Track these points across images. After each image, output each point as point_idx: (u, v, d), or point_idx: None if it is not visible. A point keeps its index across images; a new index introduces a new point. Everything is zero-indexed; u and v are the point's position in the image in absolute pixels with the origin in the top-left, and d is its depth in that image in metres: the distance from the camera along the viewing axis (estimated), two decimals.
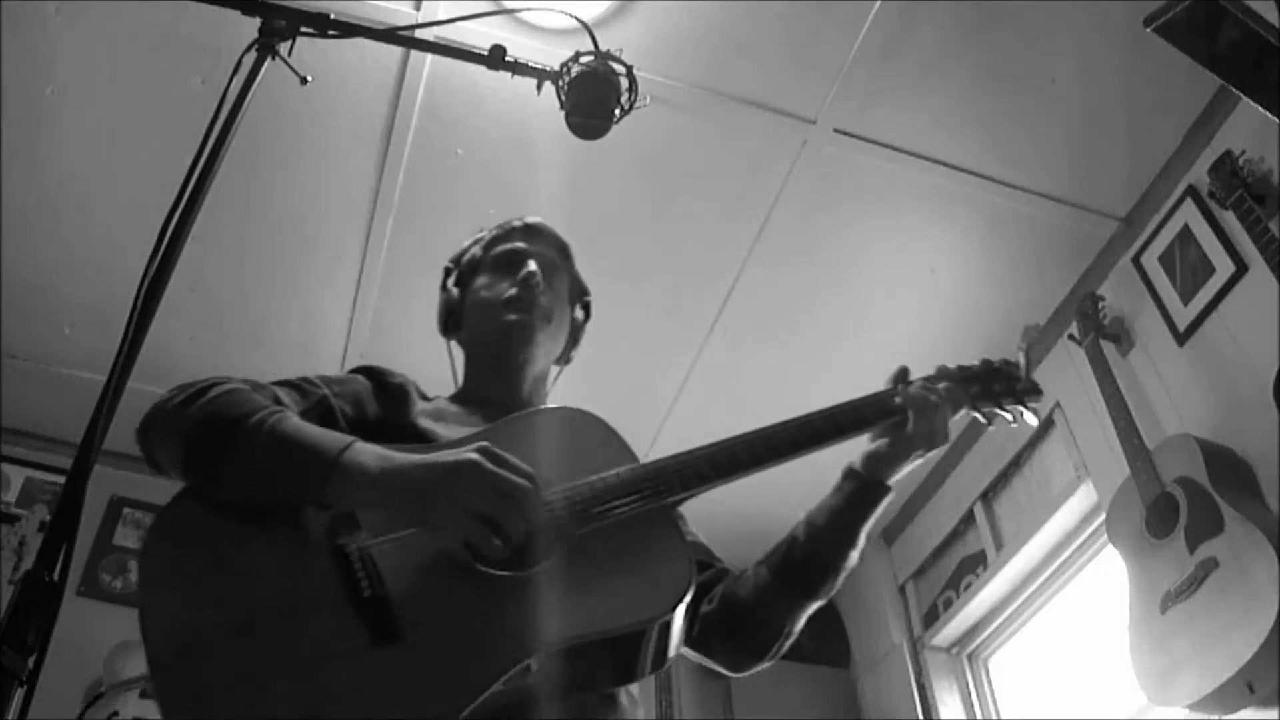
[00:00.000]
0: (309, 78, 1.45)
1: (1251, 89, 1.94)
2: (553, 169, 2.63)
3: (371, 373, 1.32)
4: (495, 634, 0.96)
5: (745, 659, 1.32)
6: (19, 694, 0.79)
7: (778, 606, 1.27)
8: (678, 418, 3.33)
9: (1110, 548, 2.50)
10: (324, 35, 1.45)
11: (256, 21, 1.37)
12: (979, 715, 3.33)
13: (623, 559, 1.07)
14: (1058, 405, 3.01)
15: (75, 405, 1.60)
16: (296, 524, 1.03)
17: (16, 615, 0.82)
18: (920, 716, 3.31)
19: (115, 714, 2.72)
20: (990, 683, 3.40)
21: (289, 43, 1.39)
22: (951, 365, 1.41)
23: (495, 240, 1.52)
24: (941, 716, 3.31)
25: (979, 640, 3.41)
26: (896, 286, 3.03)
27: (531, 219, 1.55)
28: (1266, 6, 1.82)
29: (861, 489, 1.28)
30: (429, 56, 2.47)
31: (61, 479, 1.61)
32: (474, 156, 2.71)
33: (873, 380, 1.39)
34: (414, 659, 0.93)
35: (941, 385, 1.34)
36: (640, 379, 3.24)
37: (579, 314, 1.56)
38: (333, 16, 1.46)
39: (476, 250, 1.53)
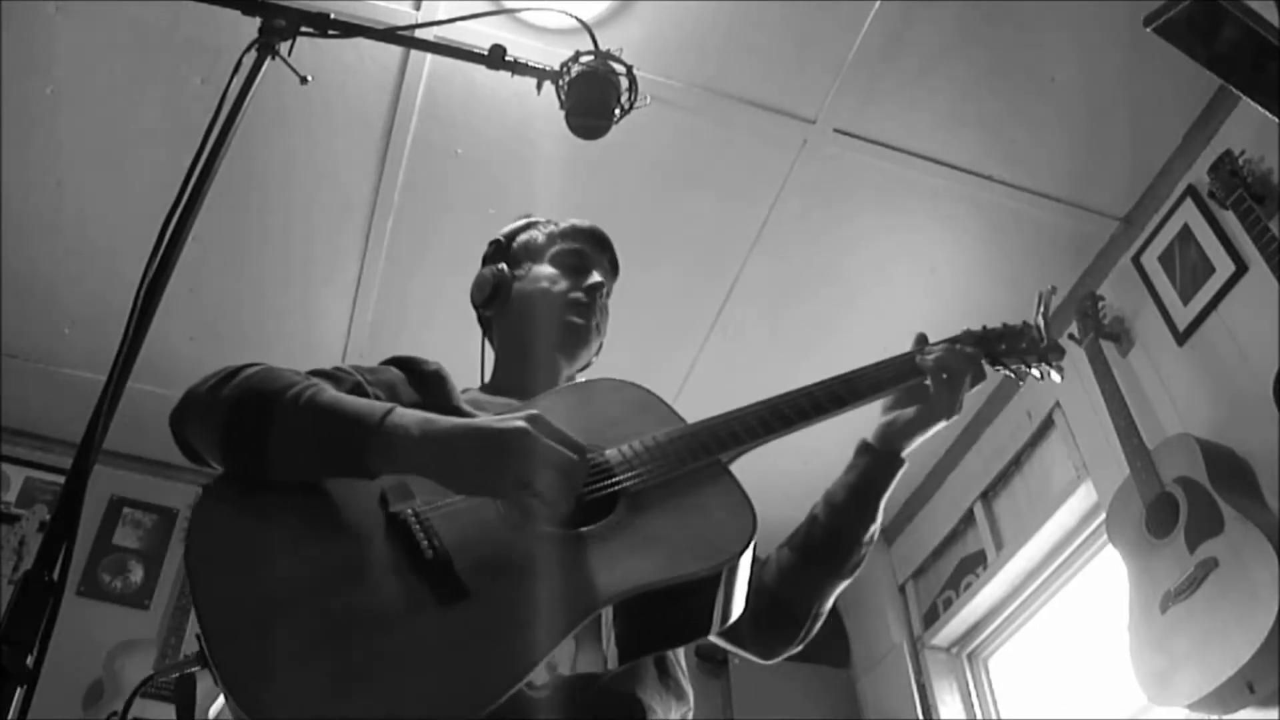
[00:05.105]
0: (309, 77, 1.45)
1: (1251, 89, 1.93)
2: (552, 169, 2.64)
3: (403, 363, 1.30)
4: (563, 587, 0.96)
5: (777, 645, 1.32)
6: (19, 694, 0.79)
7: (805, 587, 1.28)
8: None
9: (1110, 548, 2.50)
10: (324, 35, 1.45)
11: (256, 21, 1.38)
12: (979, 715, 3.33)
13: (683, 512, 1.07)
14: (1058, 405, 3.01)
15: (75, 405, 1.60)
16: (346, 497, 1.02)
17: (16, 615, 0.82)
18: (920, 716, 3.31)
19: (115, 714, 2.73)
20: (990, 682, 3.40)
21: (289, 42, 1.39)
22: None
23: (562, 236, 1.52)
24: (941, 716, 3.31)
25: (979, 640, 3.41)
26: (896, 286, 3.03)
27: (599, 228, 1.55)
28: (1266, 6, 1.82)
29: (876, 462, 1.30)
30: (429, 56, 2.47)
31: (61, 479, 1.61)
32: (473, 156, 2.71)
33: None
34: (482, 616, 0.92)
35: (960, 350, 1.34)
36: (640, 379, 3.22)
37: None
38: (333, 16, 1.47)
39: (538, 237, 1.53)
